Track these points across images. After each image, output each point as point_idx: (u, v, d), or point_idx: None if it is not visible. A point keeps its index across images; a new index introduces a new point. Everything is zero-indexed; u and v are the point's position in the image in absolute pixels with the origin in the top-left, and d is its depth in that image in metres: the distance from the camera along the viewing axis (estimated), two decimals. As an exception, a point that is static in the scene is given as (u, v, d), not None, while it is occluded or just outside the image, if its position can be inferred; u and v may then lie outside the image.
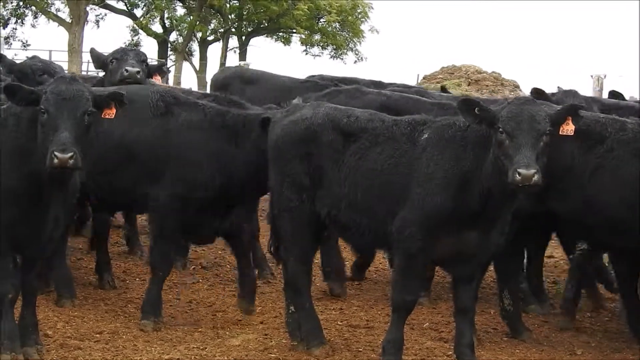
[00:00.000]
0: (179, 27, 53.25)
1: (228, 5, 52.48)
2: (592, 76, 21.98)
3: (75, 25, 43.94)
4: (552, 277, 11.52)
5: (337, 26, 54.38)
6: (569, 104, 8.05)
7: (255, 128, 8.79)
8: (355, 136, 7.94)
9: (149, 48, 54.55)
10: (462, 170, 7.42)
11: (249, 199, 9.41)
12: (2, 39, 49.43)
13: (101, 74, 11.87)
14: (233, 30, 53.74)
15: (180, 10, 54.17)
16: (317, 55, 56.16)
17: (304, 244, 8.28)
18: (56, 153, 6.97)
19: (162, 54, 53.32)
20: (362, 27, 55.21)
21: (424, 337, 8.81)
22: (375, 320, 9.36)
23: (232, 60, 52.96)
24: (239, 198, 9.03)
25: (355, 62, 56.18)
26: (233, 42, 54.69)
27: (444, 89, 15.65)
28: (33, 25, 54.03)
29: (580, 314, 9.80)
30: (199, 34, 52.77)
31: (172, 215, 8.86)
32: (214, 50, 53.05)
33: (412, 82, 29.46)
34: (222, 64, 51.01)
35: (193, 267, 11.42)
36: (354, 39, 55.37)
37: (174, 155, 8.83)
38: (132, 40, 56.02)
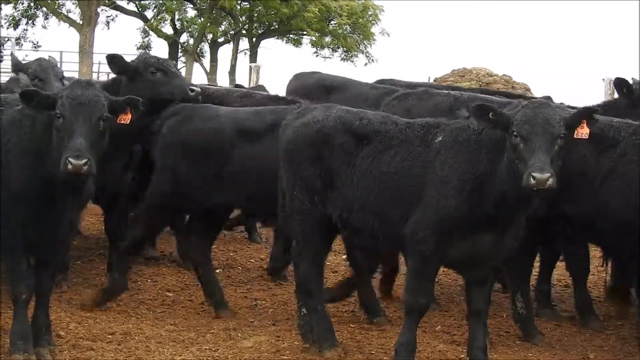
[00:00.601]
0: (190, 29, 53.37)
1: (239, 7, 52.57)
2: (604, 79, 21.91)
3: (86, 27, 44.07)
4: (564, 280, 11.47)
5: (348, 28, 54.45)
6: (584, 107, 8.01)
7: None
8: (368, 139, 7.92)
9: (160, 49, 54.54)
10: (476, 173, 7.38)
11: None
12: (13, 39, 49.55)
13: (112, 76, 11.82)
14: (244, 32, 53.83)
15: (191, 12, 54.29)
16: (328, 58, 56.27)
17: (316, 246, 8.27)
18: (70, 159, 6.97)
19: (173, 55, 53.42)
20: (373, 29, 55.30)
21: (436, 340, 8.78)
22: (387, 323, 9.33)
23: (243, 62, 53.09)
24: None
25: (366, 64, 56.28)
26: (244, 43, 54.84)
27: None
28: (44, 26, 54.31)
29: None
30: (210, 36, 52.86)
31: None
32: (225, 52, 53.09)
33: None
34: (233, 65, 51.14)
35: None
36: (365, 42, 55.42)
37: None
38: (143, 41, 56.18)
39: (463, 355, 8.12)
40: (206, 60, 53.76)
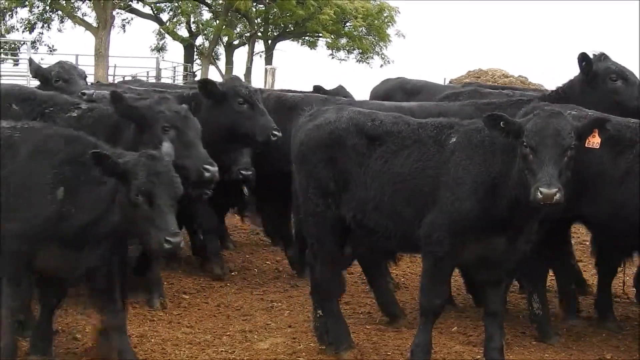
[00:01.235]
0: (205, 31, 53.54)
1: (254, 9, 52.65)
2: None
3: (102, 30, 44.22)
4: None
5: (364, 30, 54.45)
6: (596, 116, 7.98)
7: None
8: (381, 140, 7.90)
9: (175, 52, 54.83)
10: (490, 175, 7.36)
11: None
12: (29, 43, 49.75)
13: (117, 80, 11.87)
14: (259, 34, 53.92)
15: (207, 15, 54.53)
16: (343, 60, 56.32)
17: (331, 248, 8.26)
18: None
19: (188, 58, 53.60)
20: (389, 31, 55.29)
21: (452, 341, 8.78)
22: (406, 324, 9.33)
23: (259, 64, 53.19)
24: None
25: (382, 65, 56.31)
26: (259, 46, 54.97)
27: None
28: (59, 30, 54.65)
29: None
30: (225, 38, 52.99)
31: None
32: (240, 54, 53.31)
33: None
34: (248, 67, 51.22)
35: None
36: (380, 43, 55.41)
37: None
38: (159, 44, 56.36)
39: (479, 356, 8.11)
40: (222, 63, 53.93)
